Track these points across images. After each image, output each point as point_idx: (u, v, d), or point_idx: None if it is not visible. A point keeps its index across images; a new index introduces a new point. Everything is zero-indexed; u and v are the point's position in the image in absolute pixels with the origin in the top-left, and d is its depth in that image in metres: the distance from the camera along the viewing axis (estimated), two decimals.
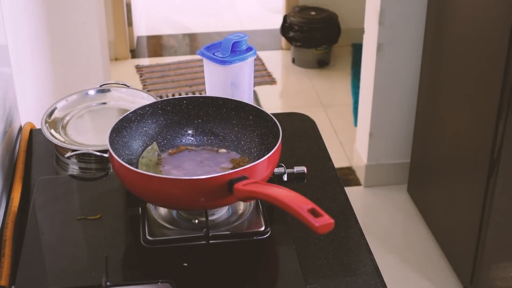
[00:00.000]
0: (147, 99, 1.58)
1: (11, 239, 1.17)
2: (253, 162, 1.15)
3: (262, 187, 1.02)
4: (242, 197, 1.06)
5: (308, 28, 3.95)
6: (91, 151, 1.38)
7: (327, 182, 1.36)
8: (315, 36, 3.95)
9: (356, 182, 3.09)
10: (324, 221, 0.91)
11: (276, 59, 4.31)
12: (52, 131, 1.48)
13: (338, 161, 3.23)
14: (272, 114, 1.24)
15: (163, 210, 1.22)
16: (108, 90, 1.64)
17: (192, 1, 5.36)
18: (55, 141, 1.43)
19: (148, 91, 2.30)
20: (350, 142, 3.32)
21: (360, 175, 3.09)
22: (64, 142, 1.44)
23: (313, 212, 0.92)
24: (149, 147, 1.28)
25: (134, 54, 4.38)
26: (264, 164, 1.11)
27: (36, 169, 1.42)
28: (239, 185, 1.04)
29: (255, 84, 3.87)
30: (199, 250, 1.15)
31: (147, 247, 1.15)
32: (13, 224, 1.21)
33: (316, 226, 0.90)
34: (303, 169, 1.38)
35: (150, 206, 1.23)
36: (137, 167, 1.22)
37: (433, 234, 2.72)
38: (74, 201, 1.31)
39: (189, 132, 1.32)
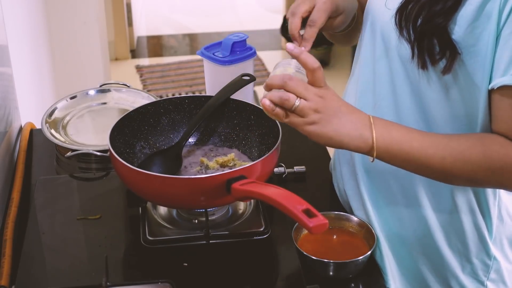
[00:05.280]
0: (147, 99, 1.58)
1: (11, 239, 1.17)
2: (252, 162, 1.15)
3: (258, 187, 1.02)
4: (240, 196, 1.06)
5: None
6: (91, 151, 1.38)
7: (327, 182, 1.36)
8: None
9: None
10: (318, 222, 0.91)
11: (276, 59, 4.31)
12: (53, 131, 1.48)
13: None
14: None
15: (163, 210, 1.22)
16: (108, 90, 1.64)
17: (192, 1, 5.37)
18: (56, 141, 1.43)
19: (148, 91, 2.30)
20: None
21: None
22: (64, 142, 1.44)
23: (307, 213, 0.92)
24: None
25: (134, 54, 4.38)
26: (262, 164, 1.11)
27: (36, 169, 1.42)
28: (236, 185, 1.04)
29: (255, 84, 3.85)
30: (199, 250, 1.15)
31: (147, 247, 1.15)
32: (13, 224, 1.21)
33: (309, 226, 0.90)
34: (303, 168, 1.38)
35: (150, 206, 1.23)
36: None
37: None
38: (74, 201, 1.31)
39: None
